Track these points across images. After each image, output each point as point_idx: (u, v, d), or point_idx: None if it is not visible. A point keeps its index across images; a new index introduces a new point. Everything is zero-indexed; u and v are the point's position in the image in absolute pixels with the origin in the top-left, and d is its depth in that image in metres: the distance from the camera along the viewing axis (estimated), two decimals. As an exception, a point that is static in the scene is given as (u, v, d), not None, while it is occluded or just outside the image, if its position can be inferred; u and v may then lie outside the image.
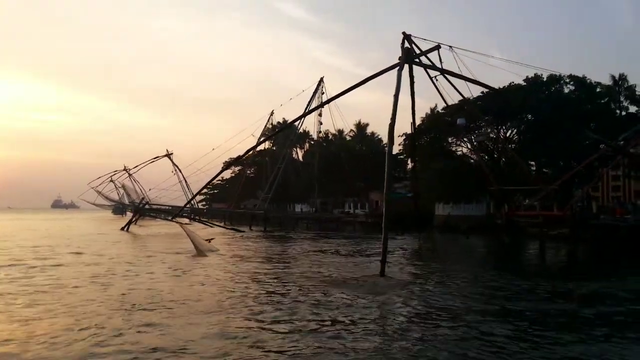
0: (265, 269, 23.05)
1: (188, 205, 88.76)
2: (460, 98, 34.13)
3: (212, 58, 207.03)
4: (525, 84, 47.13)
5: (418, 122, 71.65)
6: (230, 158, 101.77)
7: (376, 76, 25.15)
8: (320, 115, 67.42)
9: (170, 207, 57.04)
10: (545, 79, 47.73)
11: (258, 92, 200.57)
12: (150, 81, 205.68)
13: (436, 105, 75.57)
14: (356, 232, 58.87)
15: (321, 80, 66.20)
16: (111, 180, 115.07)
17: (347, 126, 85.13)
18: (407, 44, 24.39)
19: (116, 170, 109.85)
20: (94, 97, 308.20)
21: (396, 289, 17.18)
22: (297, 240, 44.98)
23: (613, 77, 45.34)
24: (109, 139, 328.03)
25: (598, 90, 45.07)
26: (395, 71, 23.37)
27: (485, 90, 52.20)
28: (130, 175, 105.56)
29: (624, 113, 45.64)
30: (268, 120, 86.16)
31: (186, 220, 49.86)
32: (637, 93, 44.31)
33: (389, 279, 18.91)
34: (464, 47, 26.28)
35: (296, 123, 61.97)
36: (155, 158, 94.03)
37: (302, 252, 32.45)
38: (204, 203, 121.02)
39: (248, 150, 58.92)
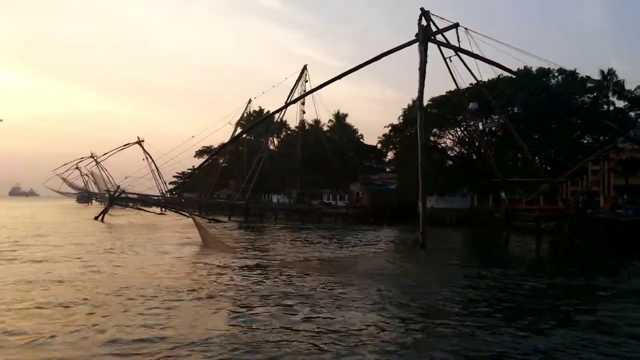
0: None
1: (160, 194, 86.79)
2: (462, 84, 33.26)
3: (185, 47, 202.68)
4: (514, 76, 46.71)
5: (400, 113, 71.51)
6: (204, 147, 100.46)
7: (389, 53, 24.26)
8: (303, 104, 65.81)
9: (149, 197, 54.80)
10: (535, 72, 47.45)
11: (232, 82, 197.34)
12: (119, 69, 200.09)
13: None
14: (337, 223, 57.77)
15: (304, 68, 64.62)
16: (77, 168, 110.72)
17: (329, 116, 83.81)
18: (424, 21, 23.38)
19: (82, 157, 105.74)
20: (55, 81, 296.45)
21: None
22: (282, 231, 43.56)
23: (602, 72, 45.36)
24: (75, 127, 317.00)
25: (588, 85, 44.97)
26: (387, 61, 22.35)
27: (474, 81, 52.69)
28: (97, 162, 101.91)
29: (611, 108, 45.68)
30: (245, 109, 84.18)
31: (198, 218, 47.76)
32: (625, 89, 44.29)
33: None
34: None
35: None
36: (125, 145, 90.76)
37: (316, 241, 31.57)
38: (173, 192, 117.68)
39: (235, 138, 57.06)
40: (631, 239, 28.39)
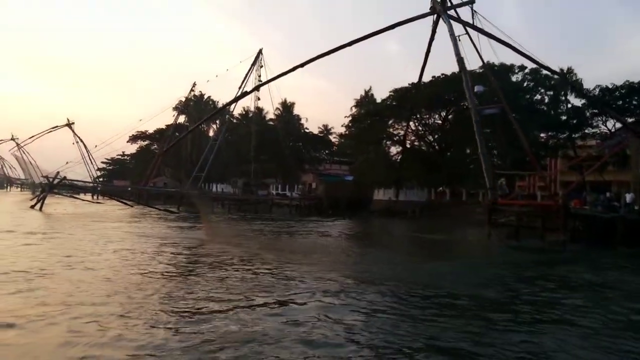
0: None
1: (91, 181, 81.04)
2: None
3: (116, 29, 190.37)
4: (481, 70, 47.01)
5: (353, 103, 70.70)
6: (138, 132, 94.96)
7: (399, 25, 23.23)
8: (258, 90, 63.13)
9: (93, 184, 50.73)
10: (497, 68, 47.77)
11: (170, 65, 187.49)
12: (47, 50, 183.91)
13: (370, 88, 74.76)
14: (293, 215, 56.12)
15: (260, 52, 62.03)
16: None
17: (277, 105, 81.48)
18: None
19: (1, 140, 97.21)
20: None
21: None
22: (249, 223, 41.28)
23: (561, 69, 46.27)
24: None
25: (552, 82, 45.89)
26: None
27: (437, 75, 52.59)
28: (19, 146, 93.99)
29: (569, 105, 46.94)
30: (190, 92, 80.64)
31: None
32: (584, 87, 45.56)
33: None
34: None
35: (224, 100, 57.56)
36: (54, 128, 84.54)
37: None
38: (102, 179, 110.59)
39: (196, 125, 53.80)
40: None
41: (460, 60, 23.67)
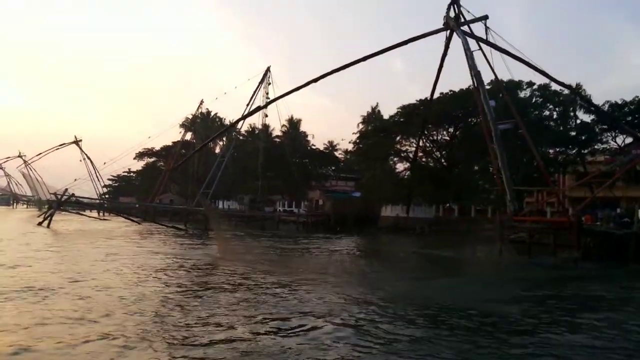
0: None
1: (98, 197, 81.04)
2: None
3: (122, 48, 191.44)
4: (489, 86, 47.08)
5: (359, 120, 70.84)
6: (145, 149, 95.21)
7: (412, 40, 23.31)
8: (266, 108, 63.27)
9: (100, 201, 50.90)
10: (505, 84, 47.78)
11: (175, 84, 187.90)
12: (54, 67, 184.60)
13: (377, 104, 74.90)
14: (300, 232, 55.86)
15: (267, 70, 62.31)
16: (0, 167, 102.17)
17: (283, 121, 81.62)
18: (452, 11, 22.57)
19: (8, 157, 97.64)
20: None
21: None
22: (261, 240, 40.90)
23: (570, 86, 46.20)
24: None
25: (561, 98, 45.78)
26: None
27: (445, 92, 52.59)
28: (26, 163, 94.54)
29: (578, 121, 46.80)
30: (197, 109, 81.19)
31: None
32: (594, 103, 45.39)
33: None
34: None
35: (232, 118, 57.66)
36: (61, 145, 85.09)
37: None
38: (107, 196, 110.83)
39: (205, 144, 53.82)
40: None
41: (477, 74, 23.63)
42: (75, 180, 56.67)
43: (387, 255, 31.79)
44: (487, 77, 33.47)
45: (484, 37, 25.53)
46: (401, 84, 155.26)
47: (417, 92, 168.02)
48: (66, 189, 49.75)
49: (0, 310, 12.05)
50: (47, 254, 25.11)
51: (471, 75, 26.95)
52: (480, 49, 25.71)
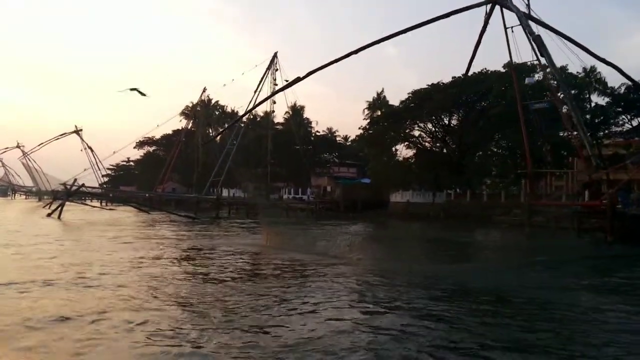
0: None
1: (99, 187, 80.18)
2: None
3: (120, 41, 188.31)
4: (505, 69, 46.80)
5: (365, 106, 70.32)
6: (145, 137, 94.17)
7: (453, 14, 22.80)
8: (275, 94, 62.33)
9: (108, 190, 50.36)
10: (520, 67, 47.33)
11: (175, 75, 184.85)
12: (54, 60, 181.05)
13: (382, 90, 74.35)
14: (311, 218, 55.19)
15: (275, 55, 61.49)
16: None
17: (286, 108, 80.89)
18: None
19: (7, 148, 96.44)
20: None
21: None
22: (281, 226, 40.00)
23: (584, 69, 45.82)
24: None
25: (578, 81, 45.40)
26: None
27: (456, 75, 52.00)
28: (25, 154, 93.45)
29: (593, 104, 46.53)
30: (200, 97, 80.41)
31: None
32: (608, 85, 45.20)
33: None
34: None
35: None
36: (62, 135, 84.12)
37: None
38: (107, 185, 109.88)
39: (218, 133, 52.55)
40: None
41: (537, 38, 22.92)
42: (85, 170, 56.50)
43: (418, 241, 30.84)
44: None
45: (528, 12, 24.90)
46: (397, 71, 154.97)
47: (412, 80, 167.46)
48: (75, 179, 48.79)
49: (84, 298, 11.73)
50: (73, 244, 24.41)
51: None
52: (522, 25, 25.03)
